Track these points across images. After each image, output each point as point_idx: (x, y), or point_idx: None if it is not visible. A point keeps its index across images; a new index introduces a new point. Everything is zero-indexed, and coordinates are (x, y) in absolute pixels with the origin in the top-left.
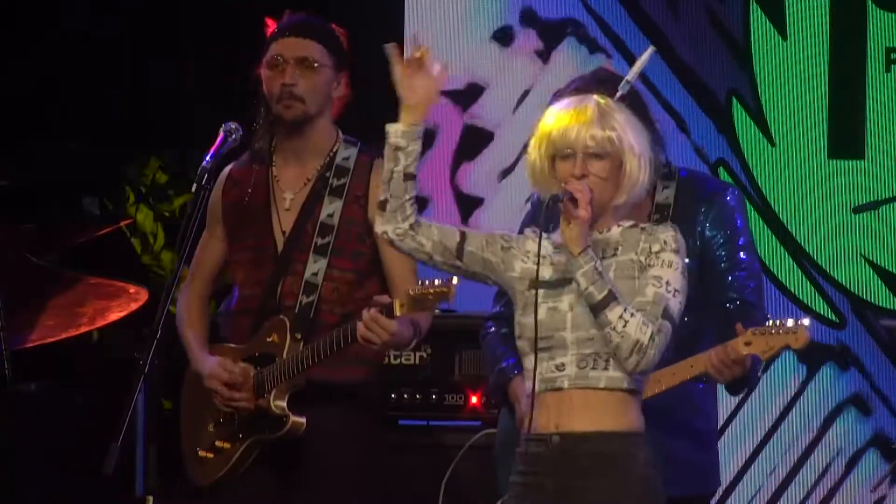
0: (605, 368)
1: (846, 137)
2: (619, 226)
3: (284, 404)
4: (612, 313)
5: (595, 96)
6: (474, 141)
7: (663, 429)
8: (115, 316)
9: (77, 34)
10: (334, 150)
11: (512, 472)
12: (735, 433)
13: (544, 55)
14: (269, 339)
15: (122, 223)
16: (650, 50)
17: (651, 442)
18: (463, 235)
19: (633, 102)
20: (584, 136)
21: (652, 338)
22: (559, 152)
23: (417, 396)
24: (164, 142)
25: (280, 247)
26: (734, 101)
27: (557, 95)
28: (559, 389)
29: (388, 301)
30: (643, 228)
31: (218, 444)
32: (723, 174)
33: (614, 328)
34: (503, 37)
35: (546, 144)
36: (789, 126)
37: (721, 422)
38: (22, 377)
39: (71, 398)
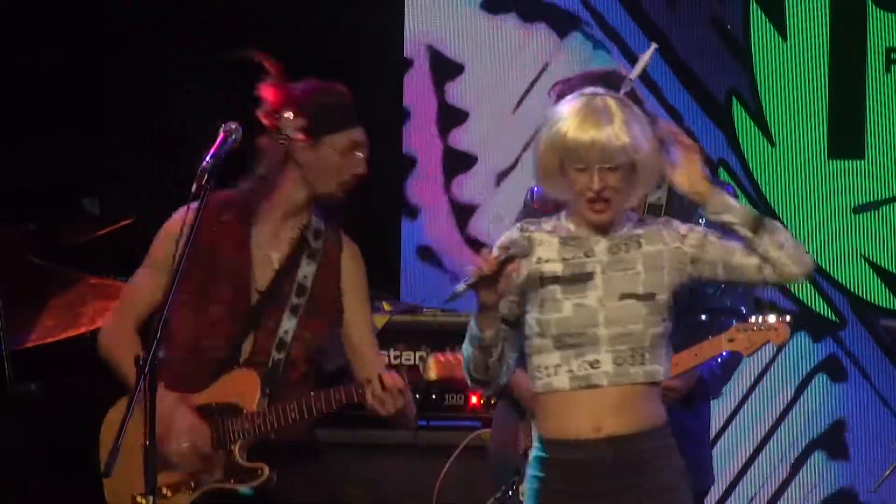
0: (643, 363)
1: (846, 137)
2: (629, 220)
3: (246, 455)
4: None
5: (607, 98)
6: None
7: None
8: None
9: (78, 34)
10: (311, 214)
11: (536, 478)
12: (735, 433)
13: (548, 54)
14: (236, 390)
15: (122, 223)
16: (652, 47)
17: None
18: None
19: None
20: (597, 150)
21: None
22: (572, 164)
23: (417, 396)
24: (165, 142)
25: (253, 303)
26: (734, 101)
27: (559, 86)
28: (596, 386)
29: (406, 369)
30: (653, 223)
31: (163, 490)
32: (723, 174)
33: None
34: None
35: (559, 150)
36: (789, 126)
37: (721, 422)
38: (22, 377)
39: (71, 398)
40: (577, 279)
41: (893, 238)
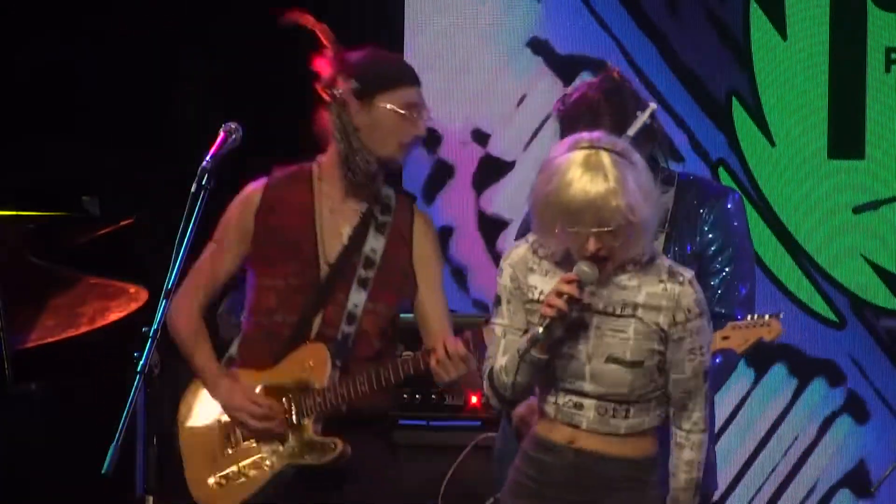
0: (626, 417)
1: (846, 137)
2: (634, 266)
3: (322, 429)
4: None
5: (602, 154)
6: (495, 169)
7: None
8: (115, 316)
9: (78, 33)
10: (381, 186)
11: (513, 466)
12: (735, 433)
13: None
14: (307, 365)
15: (122, 223)
16: (650, 108)
17: None
18: (518, 330)
19: (632, 100)
20: (592, 214)
21: (708, 427)
22: (567, 225)
23: (417, 396)
24: (165, 142)
25: (323, 276)
26: (734, 101)
27: (562, 101)
28: (576, 427)
29: (470, 333)
30: (661, 282)
31: (240, 469)
32: (723, 174)
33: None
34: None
35: (552, 208)
36: (789, 126)
37: (721, 422)
38: (22, 377)
39: (71, 398)
40: (572, 326)
41: (893, 238)
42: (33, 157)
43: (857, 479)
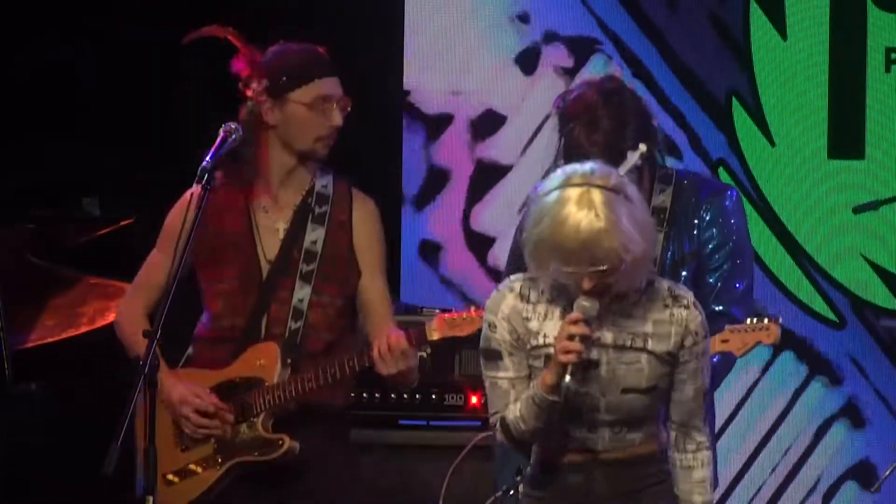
0: (639, 429)
1: (846, 137)
2: (635, 294)
3: (271, 427)
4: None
5: (593, 191)
6: (488, 176)
7: None
8: (115, 316)
9: (78, 34)
10: (314, 177)
11: (524, 494)
12: (735, 433)
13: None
14: (257, 364)
15: (122, 223)
16: (640, 149)
17: None
18: (526, 378)
19: (631, 102)
20: (586, 255)
21: (711, 447)
22: (561, 265)
23: (417, 396)
24: (165, 142)
25: (265, 275)
26: (734, 101)
27: (560, 99)
28: (591, 450)
29: (413, 329)
30: (666, 307)
31: (192, 467)
32: (723, 174)
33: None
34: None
35: (548, 252)
36: (789, 126)
37: (721, 422)
38: (22, 377)
39: (71, 398)
40: (582, 366)
41: (893, 237)
42: (33, 157)
43: (862, 473)
